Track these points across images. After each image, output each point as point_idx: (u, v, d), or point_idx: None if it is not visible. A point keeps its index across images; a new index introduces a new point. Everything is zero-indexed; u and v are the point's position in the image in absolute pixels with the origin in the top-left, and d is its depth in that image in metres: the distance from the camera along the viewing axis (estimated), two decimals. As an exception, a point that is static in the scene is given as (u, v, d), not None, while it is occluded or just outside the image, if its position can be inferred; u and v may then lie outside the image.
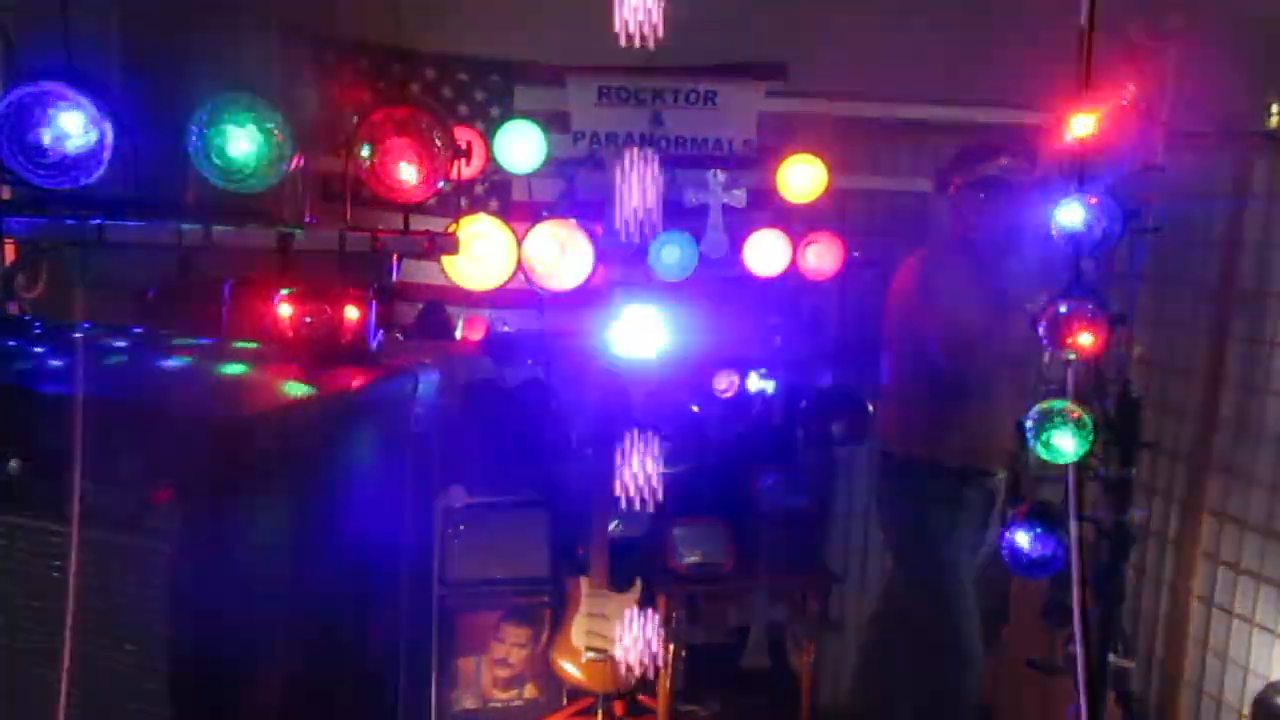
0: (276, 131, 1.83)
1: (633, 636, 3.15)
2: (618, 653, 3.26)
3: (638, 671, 3.27)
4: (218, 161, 1.81)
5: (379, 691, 1.93)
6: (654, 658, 3.21)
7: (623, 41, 1.40)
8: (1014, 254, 3.00)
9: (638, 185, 2.70)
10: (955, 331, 2.96)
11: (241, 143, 1.79)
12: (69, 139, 1.62)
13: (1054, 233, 2.71)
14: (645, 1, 1.35)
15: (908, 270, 3.18)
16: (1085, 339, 2.61)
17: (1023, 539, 2.82)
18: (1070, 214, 2.52)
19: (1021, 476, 3.14)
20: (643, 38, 1.43)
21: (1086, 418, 2.52)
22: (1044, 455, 2.73)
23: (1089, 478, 2.80)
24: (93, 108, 1.62)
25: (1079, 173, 2.43)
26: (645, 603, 3.39)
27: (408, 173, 1.97)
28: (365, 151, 1.96)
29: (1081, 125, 2.50)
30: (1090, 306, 2.61)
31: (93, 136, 1.62)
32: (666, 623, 3.46)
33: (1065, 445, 2.56)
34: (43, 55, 1.85)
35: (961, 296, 2.97)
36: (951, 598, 3.09)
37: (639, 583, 3.47)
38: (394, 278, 2.09)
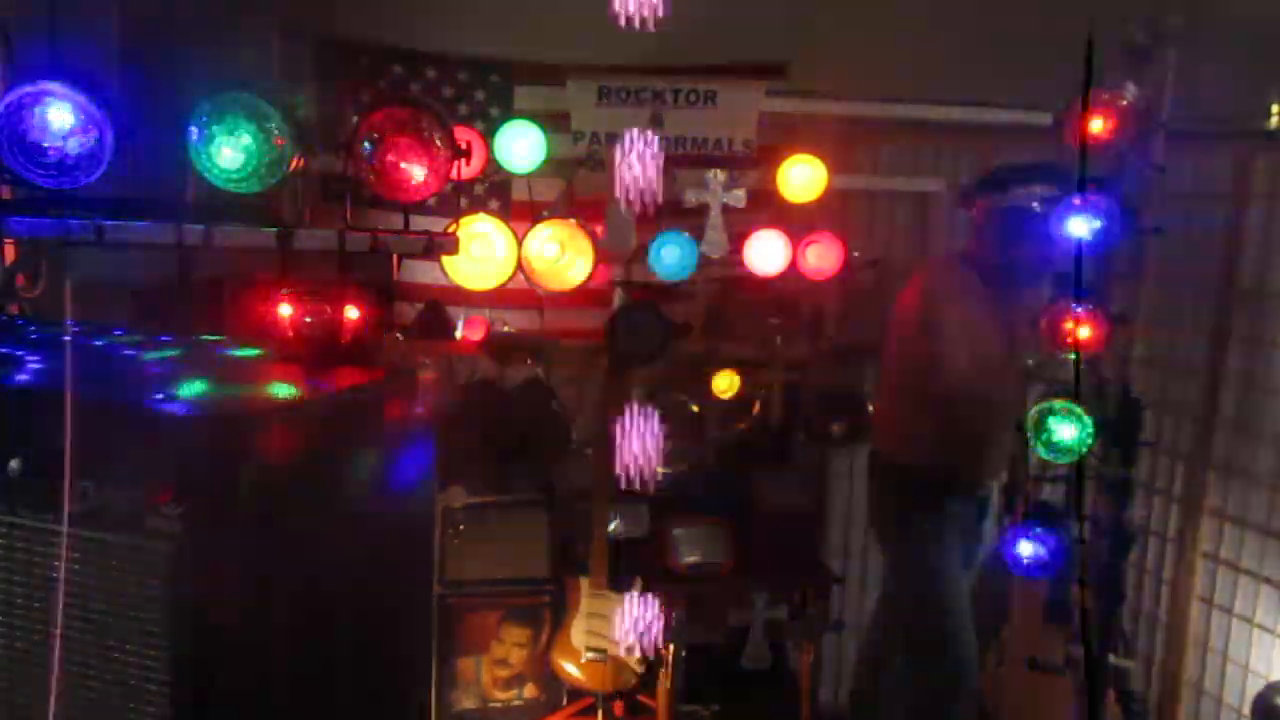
0: (276, 132, 1.82)
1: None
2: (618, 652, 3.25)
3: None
4: (215, 164, 1.80)
5: (379, 690, 1.93)
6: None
7: (621, 22, 1.36)
8: (1029, 289, 2.88)
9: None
10: (950, 365, 2.83)
11: (226, 151, 1.78)
12: (69, 139, 1.61)
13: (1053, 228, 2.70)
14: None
15: (913, 289, 3.02)
16: (1083, 334, 2.61)
17: (1023, 540, 2.82)
18: (1077, 224, 2.52)
19: (1017, 482, 3.14)
20: (642, 21, 1.39)
21: (1082, 413, 2.52)
22: (1044, 455, 2.73)
23: (1089, 478, 2.81)
24: (93, 107, 1.62)
25: (1081, 172, 2.43)
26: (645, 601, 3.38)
27: (408, 172, 1.97)
28: (366, 151, 1.95)
29: (1082, 125, 2.50)
30: (1090, 306, 2.61)
31: (93, 136, 1.62)
32: (666, 623, 3.45)
33: (1066, 434, 2.55)
34: (43, 55, 1.85)
35: (961, 337, 2.84)
36: (941, 599, 3.05)
37: (639, 583, 3.47)
38: (394, 278, 2.09)
